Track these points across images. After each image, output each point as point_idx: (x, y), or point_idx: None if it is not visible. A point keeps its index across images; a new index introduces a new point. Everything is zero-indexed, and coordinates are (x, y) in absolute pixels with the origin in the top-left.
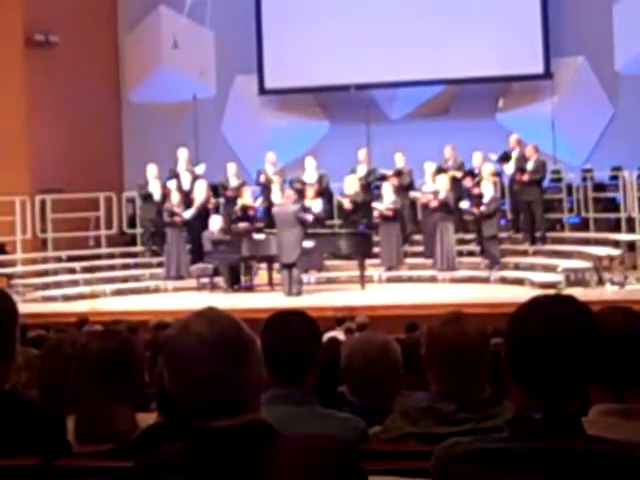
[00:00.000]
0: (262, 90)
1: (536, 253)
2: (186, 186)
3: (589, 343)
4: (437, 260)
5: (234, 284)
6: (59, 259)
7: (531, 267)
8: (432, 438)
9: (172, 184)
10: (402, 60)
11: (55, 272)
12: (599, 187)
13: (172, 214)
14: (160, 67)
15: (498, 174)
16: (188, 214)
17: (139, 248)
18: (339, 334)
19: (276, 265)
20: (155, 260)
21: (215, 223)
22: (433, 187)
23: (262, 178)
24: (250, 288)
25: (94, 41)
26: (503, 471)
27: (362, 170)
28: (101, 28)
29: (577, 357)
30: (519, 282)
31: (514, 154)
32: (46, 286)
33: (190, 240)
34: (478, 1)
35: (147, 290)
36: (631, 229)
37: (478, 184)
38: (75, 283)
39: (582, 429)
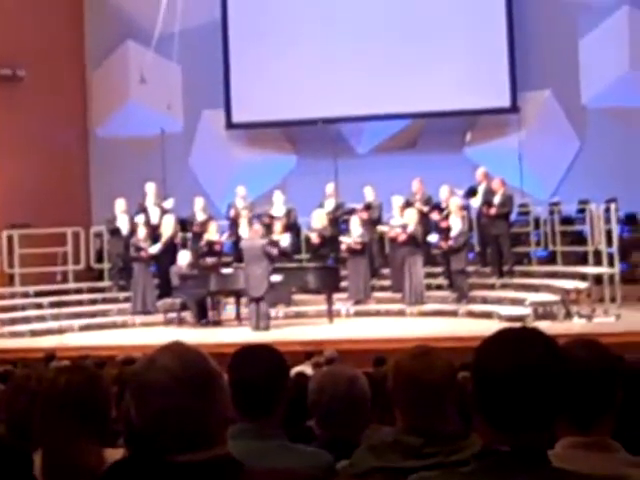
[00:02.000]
0: (229, 124)
1: (504, 287)
2: (154, 220)
3: (555, 376)
4: (406, 294)
5: (202, 319)
6: (26, 294)
7: (499, 301)
8: (399, 472)
9: (140, 219)
10: (369, 94)
11: (22, 307)
12: (566, 220)
13: (138, 249)
14: (128, 102)
15: (466, 208)
16: (155, 249)
17: (107, 283)
18: (307, 368)
19: (244, 299)
20: (123, 295)
21: (183, 258)
22: (401, 221)
23: (232, 212)
24: (218, 323)
25: (61, 75)
26: None
27: (330, 204)
28: (68, 62)
29: (542, 390)
30: (487, 316)
31: (481, 188)
32: (13, 321)
33: (158, 275)
34: (445, 35)
35: (115, 325)
36: (598, 262)
37: (446, 218)
38: (42, 318)
39: (548, 462)
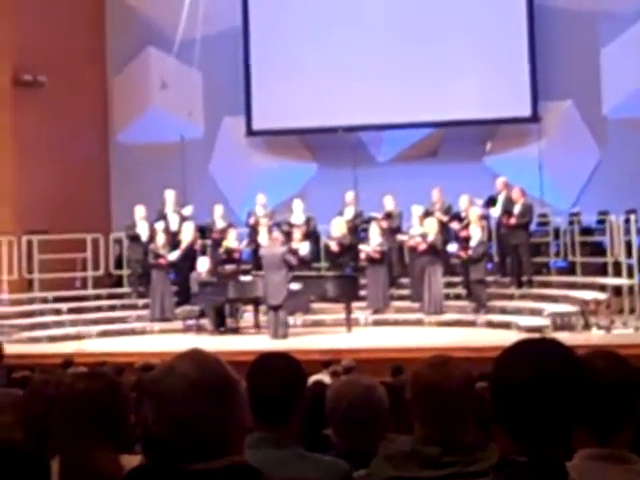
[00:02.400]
0: (250, 131)
1: (523, 297)
2: (174, 227)
3: (573, 387)
4: (425, 303)
5: (220, 326)
6: (45, 300)
7: (518, 311)
8: None
9: (160, 225)
10: (390, 102)
11: (41, 313)
12: (586, 231)
13: (157, 256)
14: (148, 108)
15: (485, 217)
16: (173, 256)
17: (126, 289)
18: (325, 377)
19: (263, 307)
20: (141, 302)
21: (203, 265)
22: (420, 230)
23: (252, 220)
24: (236, 330)
25: (82, 81)
26: None
27: (349, 212)
28: (90, 68)
29: (561, 401)
30: (505, 326)
31: (500, 198)
32: (32, 327)
33: (177, 282)
34: (466, 44)
35: (133, 332)
36: (617, 273)
37: (466, 227)
38: (61, 324)
39: (566, 473)
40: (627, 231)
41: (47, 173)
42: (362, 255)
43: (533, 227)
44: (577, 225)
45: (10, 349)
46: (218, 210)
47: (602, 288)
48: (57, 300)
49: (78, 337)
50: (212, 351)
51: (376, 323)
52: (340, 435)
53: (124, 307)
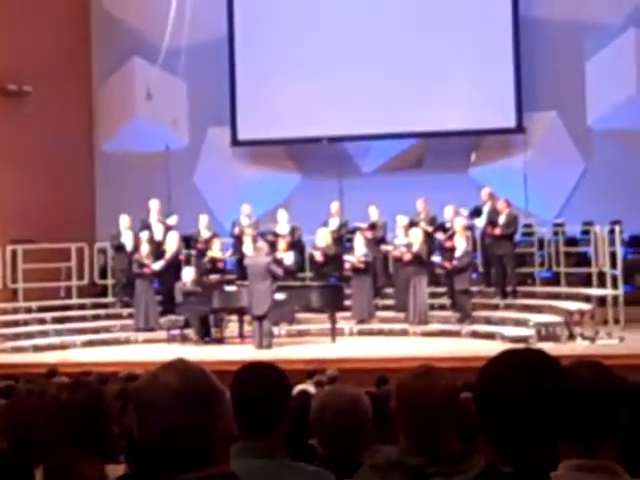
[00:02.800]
0: (235, 142)
1: (507, 307)
2: (158, 237)
3: (558, 397)
4: (410, 314)
5: (205, 336)
6: (29, 310)
7: (502, 321)
8: None
9: (144, 235)
10: (375, 113)
11: (25, 322)
12: (570, 242)
13: (141, 265)
14: (133, 118)
15: (470, 228)
16: (157, 266)
17: (110, 299)
18: (309, 387)
19: (247, 317)
20: (126, 311)
21: (188, 275)
22: (405, 240)
23: (237, 230)
24: (221, 340)
25: (68, 91)
26: None
27: (334, 223)
28: (75, 78)
29: (546, 411)
30: (490, 336)
31: (485, 208)
32: (16, 336)
33: (161, 291)
34: (452, 55)
35: (118, 341)
36: (602, 284)
37: (451, 238)
38: (45, 334)
39: None
40: (612, 242)
41: (32, 182)
42: (347, 265)
43: (518, 237)
44: (562, 236)
45: None
46: (203, 220)
47: (587, 299)
48: (41, 310)
49: (62, 347)
50: (196, 361)
51: (361, 333)
52: (325, 445)
53: (108, 317)
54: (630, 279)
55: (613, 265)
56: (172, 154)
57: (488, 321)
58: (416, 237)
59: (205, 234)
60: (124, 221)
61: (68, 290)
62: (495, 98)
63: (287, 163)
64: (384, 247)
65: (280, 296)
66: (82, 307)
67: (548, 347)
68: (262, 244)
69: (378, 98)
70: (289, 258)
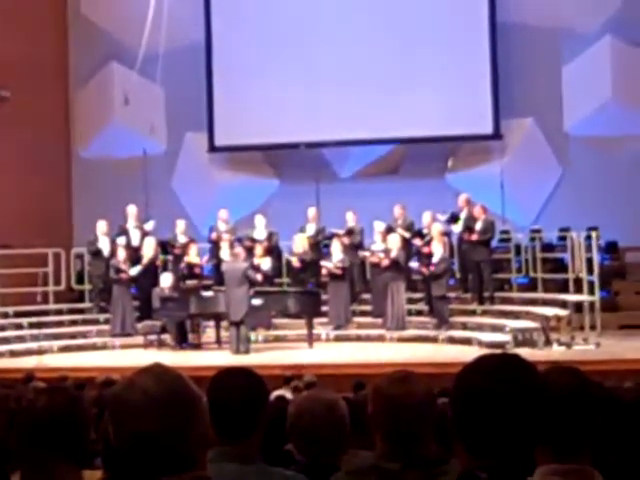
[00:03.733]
0: (212, 147)
1: (484, 313)
2: (135, 243)
3: (534, 403)
4: (387, 319)
5: (182, 341)
6: (6, 315)
7: (479, 327)
8: None
9: (121, 240)
10: (352, 119)
11: (2, 328)
12: (547, 247)
13: (118, 271)
14: (111, 123)
15: (447, 234)
16: (135, 271)
17: (87, 304)
18: (286, 393)
19: (224, 323)
20: (103, 317)
21: (166, 280)
22: (382, 246)
23: (214, 235)
24: (198, 346)
25: (45, 96)
26: None
27: (311, 229)
28: (52, 83)
29: (522, 417)
30: (467, 342)
31: (462, 214)
32: None
33: (138, 297)
34: (429, 62)
35: (94, 347)
36: (579, 290)
37: (428, 244)
38: (22, 339)
39: None
40: (588, 248)
41: (8, 187)
42: (324, 271)
43: (495, 244)
44: (538, 242)
45: None
46: (180, 225)
47: (563, 304)
48: (18, 315)
49: (39, 352)
50: (173, 366)
51: (338, 339)
52: (302, 450)
53: (85, 322)
54: (606, 285)
55: (590, 271)
56: (149, 159)
57: (465, 327)
58: (394, 243)
59: (182, 239)
60: (101, 227)
61: (45, 295)
62: (472, 104)
63: (264, 169)
64: (362, 253)
65: (257, 302)
66: (59, 312)
67: (525, 353)
68: (239, 250)
69: (356, 104)
70: (266, 264)
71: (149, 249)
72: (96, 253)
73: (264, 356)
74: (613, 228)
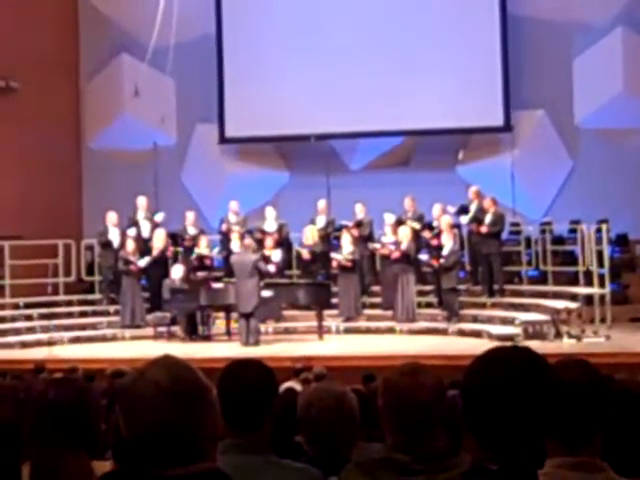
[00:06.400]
0: (222, 139)
1: (494, 306)
2: (145, 234)
3: (544, 395)
4: (397, 311)
5: (192, 333)
6: (17, 306)
7: (489, 319)
8: None
9: (131, 232)
10: (363, 111)
11: (12, 319)
12: (557, 240)
13: (127, 262)
14: (121, 115)
15: (457, 226)
16: (143, 262)
17: (97, 296)
18: (296, 385)
19: (234, 314)
20: (113, 308)
21: (177, 272)
22: (392, 238)
23: (224, 227)
24: (207, 337)
25: (55, 88)
26: None
27: (321, 221)
28: (63, 75)
29: (532, 409)
30: (477, 334)
31: (472, 207)
32: (3, 332)
33: (148, 288)
34: (439, 53)
35: (104, 338)
36: (589, 283)
37: (438, 236)
38: (32, 330)
39: None
40: (599, 240)
41: (19, 179)
42: (334, 263)
43: (505, 236)
44: (549, 234)
45: None
46: (190, 217)
47: (573, 297)
48: (28, 306)
49: (50, 343)
50: (183, 358)
51: (347, 331)
52: (311, 442)
53: (95, 313)
54: (617, 278)
55: (600, 264)
56: (160, 151)
57: (475, 319)
58: (404, 235)
59: (192, 231)
60: (111, 218)
61: (55, 287)
62: (483, 96)
63: (275, 160)
64: (372, 245)
65: (267, 293)
66: (69, 304)
67: (535, 345)
68: (249, 241)
69: (366, 96)
70: (276, 256)
71: (159, 241)
72: (106, 244)
73: (274, 348)
74: (623, 221)
